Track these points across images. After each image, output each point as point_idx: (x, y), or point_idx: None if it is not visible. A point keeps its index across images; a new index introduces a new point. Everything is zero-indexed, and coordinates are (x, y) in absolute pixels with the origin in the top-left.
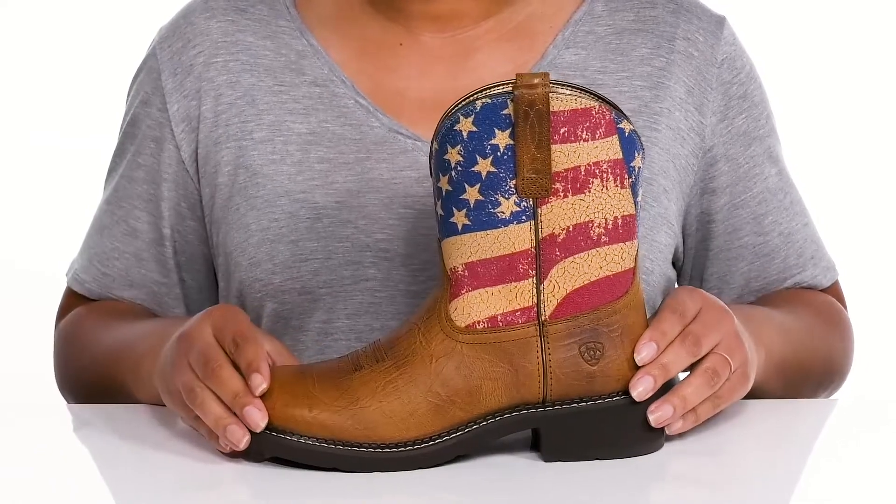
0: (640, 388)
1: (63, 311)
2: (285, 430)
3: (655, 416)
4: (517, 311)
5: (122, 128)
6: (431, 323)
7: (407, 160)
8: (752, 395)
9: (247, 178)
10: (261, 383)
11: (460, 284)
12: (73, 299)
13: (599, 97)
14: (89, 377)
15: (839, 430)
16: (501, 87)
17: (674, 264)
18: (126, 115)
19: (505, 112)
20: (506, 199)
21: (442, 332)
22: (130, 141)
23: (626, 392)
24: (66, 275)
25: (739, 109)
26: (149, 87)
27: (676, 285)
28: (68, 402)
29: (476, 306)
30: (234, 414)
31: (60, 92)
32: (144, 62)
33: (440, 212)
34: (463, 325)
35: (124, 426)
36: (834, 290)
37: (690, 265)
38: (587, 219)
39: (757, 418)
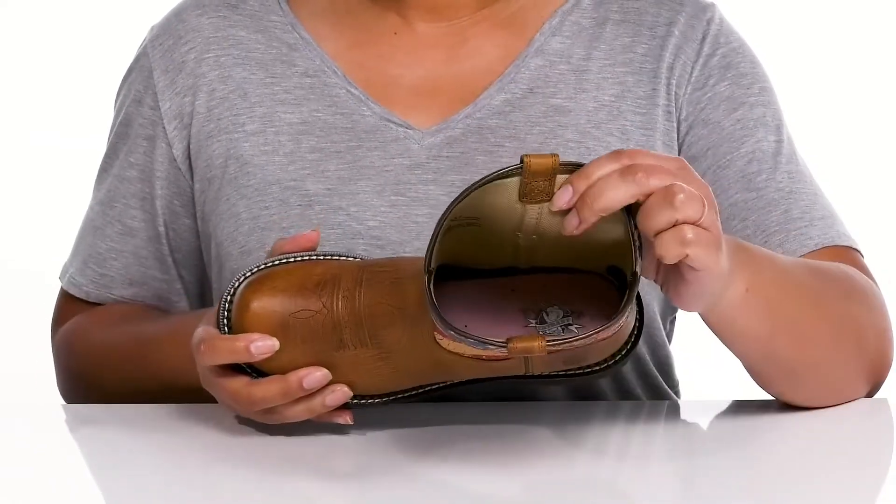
0: (560, 196)
1: (60, 317)
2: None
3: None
4: (503, 356)
5: (112, 128)
6: (417, 329)
7: (399, 148)
8: (752, 353)
9: (237, 169)
10: (269, 344)
11: (443, 335)
12: (69, 304)
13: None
14: (100, 381)
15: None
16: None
17: None
18: (117, 114)
19: None
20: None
21: (428, 342)
22: (122, 141)
23: (610, 362)
24: (60, 279)
25: (721, 77)
26: (140, 85)
27: None
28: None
29: (461, 349)
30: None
31: (60, 92)
32: (136, 61)
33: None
34: (447, 349)
35: (122, 426)
36: (857, 263)
37: None
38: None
39: (754, 419)
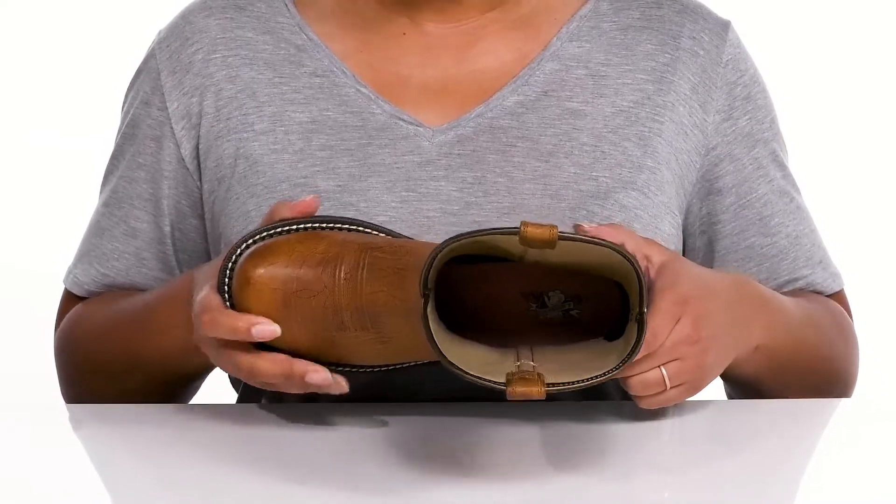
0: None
1: (62, 316)
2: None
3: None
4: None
5: (119, 130)
6: (418, 322)
7: (409, 145)
8: (737, 378)
9: (246, 168)
10: (271, 330)
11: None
12: (71, 303)
13: (609, 246)
14: (99, 362)
15: (840, 429)
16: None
17: None
18: (125, 116)
19: None
20: None
21: (426, 335)
22: (130, 142)
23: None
24: (64, 281)
25: (743, 111)
26: (148, 87)
27: None
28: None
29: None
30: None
31: (60, 92)
32: (144, 63)
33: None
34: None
35: (123, 426)
36: (841, 300)
37: None
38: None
39: (756, 419)
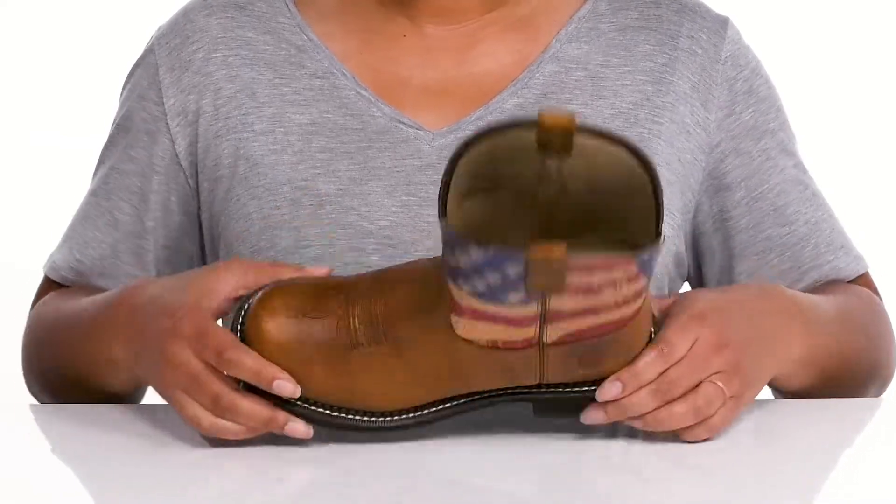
0: (589, 415)
1: (36, 301)
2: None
3: (589, 415)
4: (519, 339)
5: (114, 121)
6: (433, 319)
7: (409, 149)
8: (788, 391)
9: (247, 169)
10: (294, 389)
11: (461, 311)
12: (48, 288)
13: (625, 143)
14: (46, 356)
15: (879, 429)
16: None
17: (695, 270)
18: (120, 109)
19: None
20: (514, 291)
21: (443, 332)
22: (123, 134)
23: None
24: (44, 266)
25: (746, 104)
26: (146, 81)
27: (684, 284)
28: (35, 397)
29: (478, 330)
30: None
31: (60, 92)
32: (142, 58)
33: (445, 256)
34: (463, 336)
35: (107, 426)
36: (867, 282)
37: (717, 268)
38: (596, 304)
39: (789, 418)
